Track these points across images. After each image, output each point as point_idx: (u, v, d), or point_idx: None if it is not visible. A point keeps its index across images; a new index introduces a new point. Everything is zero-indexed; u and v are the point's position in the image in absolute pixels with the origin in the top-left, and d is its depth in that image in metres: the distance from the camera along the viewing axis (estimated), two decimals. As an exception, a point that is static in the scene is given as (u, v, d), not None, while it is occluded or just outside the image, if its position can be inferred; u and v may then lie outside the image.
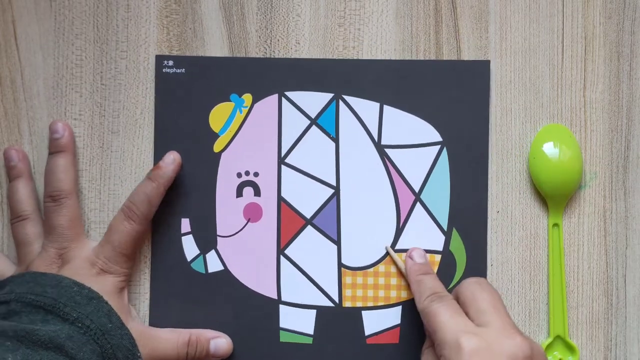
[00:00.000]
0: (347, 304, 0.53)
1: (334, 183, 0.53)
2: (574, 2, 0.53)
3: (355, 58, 0.53)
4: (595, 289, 0.53)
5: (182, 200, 0.53)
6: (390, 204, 0.53)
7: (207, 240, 0.53)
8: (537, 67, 0.53)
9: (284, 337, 0.53)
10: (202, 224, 0.53)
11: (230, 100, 0.54)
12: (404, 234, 0.53)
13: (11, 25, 0.54)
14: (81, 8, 0.54)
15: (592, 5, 0.53)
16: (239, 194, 0.53)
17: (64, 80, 0.54)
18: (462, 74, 0.53)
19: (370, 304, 0.53)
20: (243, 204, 0.53)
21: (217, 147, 0.53)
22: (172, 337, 0.51)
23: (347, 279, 0.53)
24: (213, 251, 0.53)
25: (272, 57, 0.54)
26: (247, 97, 0.54)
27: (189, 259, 0.53)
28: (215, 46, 0.54)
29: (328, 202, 0.53)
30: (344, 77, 0.53)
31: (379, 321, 0.53)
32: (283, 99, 0.53)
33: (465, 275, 0.53)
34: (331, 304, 0.53)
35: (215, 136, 0.53)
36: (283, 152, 0.53)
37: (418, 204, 0.53)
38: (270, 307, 0.53)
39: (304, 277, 0.53)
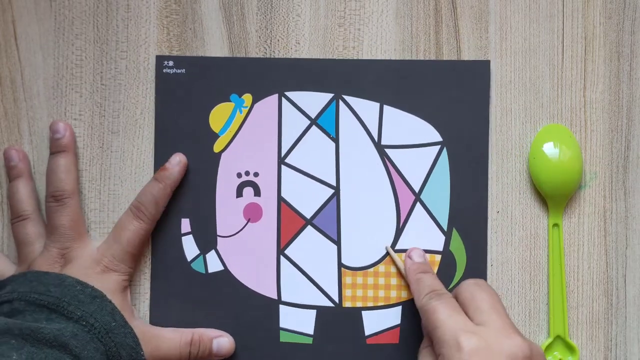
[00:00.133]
0: (347, 304, 0.53)
1: (334, 183, 0.53)
2: (574, 2, 0.53)
3: (355, 58, 0.54)
4: (595, 289, 0.53)
5: (182, 200, 0.53)
6: (390, 204, 0.53)
7: (207, 240, 0.54)
8: (537, 67, 0.53)
9: (284, 337, 0.53)
10: (202, 224, 0.53)
11: (230, 101, 0.54)
12: (404, 234, 0.53)
13: (11, 25, 0.54)
14: (81, 8, 0.54)
15: (592, 5, 0.53)
16: (239, 194, 0.54)
17: (64, 80, 0.54)
18: (462, 74, 0.53)
19: (370, 304, 0.53)
20: (243, 204, 0.54)
21: (217, 147, 0.54)
22: (175, 337, 0.51)
23: (347, 279, 0.53)
24: (213, 251, 0.53)
25: (272, 57, 0.54)
26: (247, 97, 0.54)
27: (189, 259, 0.53)
28: (215, 46, 0.54)
29: (328, 202, 0.53)
30: (344, 77, 0.53)
31: (379, 321, 0.53)
32: (283, 99, 0.54)
33: (466, 276, 0.53)
34: (331, 304, 0.53)
35: (215, 136, 0.54)
36: (283, 152, 0.54)
37: (418, 204, 0.53)
38: (270, 307, 0.53)
39: (304, 277, 0.53)
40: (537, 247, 0.53)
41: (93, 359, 0.46)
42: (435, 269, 0.53)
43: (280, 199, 0.54)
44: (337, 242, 0.54)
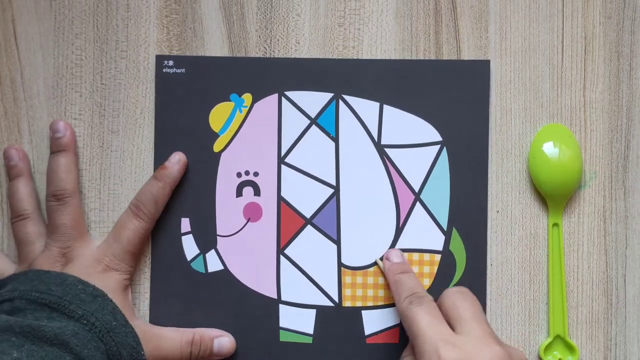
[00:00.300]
0: (346, 303, 0.53)
1: (333, 183, 0.54)
2: (574, 2, 0.54)
3: (355, 58, 0.54)
4: (595, 289, 0.53)
5: (182, 199, 0.54)
6: (390, 203, 0.53)
7: (207, 239, 0.54)
8: (537, 67, 0.54)
9: (283, 337, 0.53)
10: (202, 223, 0.54)
11: (230, 100, 0.54)
12: (403, 234, 0.53)
13: (11, 24, 0.54)
14: (81, 7, 0.54)
15: (592, 5, 0.54)
16: (239, 193, 0.54)
17: (64, 79, 0.54)
18: (462, 74, 0.53)
19: (370, 304, 0.53)
20: (243, 203, 0.54)
21: (217, 146, 0.54)
22: (176, 336, 0.51)
23: (347, 279, 0.53)
24: (213, 251, 0.54)
25: (272, 57, 0.54)
26: (247, 97, 0.54)
27: (188, 258, 0.54)
28: (215, 46, 0.54)
29: (328, 201, 0.54)
30: (343, 77, 0.54)
31: (379, 321, 0.53)
32: (283, 99, 0.54)
33: (465, 275, 0.53)
34: (331, 304, 0.53)
35: (215, 136, 0.54)
36: (283, 152, 0.54)
37: (418, 203, 0.53)
38: (270, 306, 0.53)
39: (304, 276, 0.53)
40: (537, 247, 0.54)
41: (93, 358, 0.46)
42: (435, 269, 0.53)
43: (280, 199, 0.54)
44: (337, 241, 0.54)
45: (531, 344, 0.54)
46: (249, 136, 0.54)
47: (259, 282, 0.54)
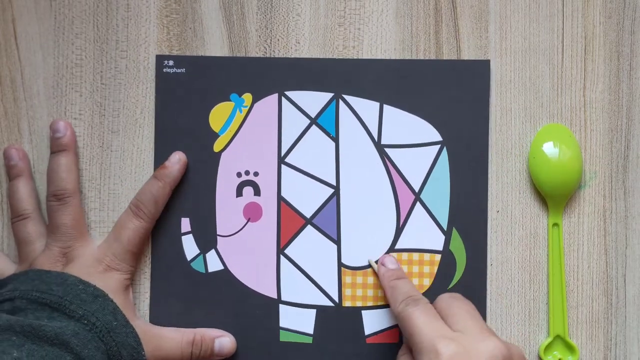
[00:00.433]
0: (347, 303, 0.54)
1: (333, 183, 0.54)
2: (574, 1, 0.54)
3: (355, 58, 0.54)
4: (595, 289, 0.54)
5: (182, 199, 0.54)
6: (390, 203, 0.54)
7: (207, 239, 0.54)
8: (537, 67, 0.54)
9: (283, 337, 0.54)
10: (202, 223, 0.54)
11: (230, 100, 0.54)
12: (403, 234, 0.54)
13: (11, 24, 0.55)
14: (81, 7, 0.55)
15: (592, 5, 0.54)
16: (239, 193, 0.54)
17: (64, 79, 0.54)
18: (462, 74, 0.53)
19: (370, 304, 0.54)
20: (243, 203, 0.54)
21: (217, 146, 0.54)
22: (177, 336, 0.51)
23: (347, 279, 0.54)
24: (213, 251, 0.54)
25: (272, 56, 0.54)
26: (247, 97, 0.54)
27: (189, 258, 0.54)
28: (215, 46, 0.54)
29: (328, 201, 0.54)
30: (344, 77, 0.54)
31: (379, 321, 0.54)
32: (283, 99, 0.54)
33: (466, 275, 0.53)
34: (331, 304, 0.54)
35: (215, 136, 0.54)
36: (283, 152, 0.54)
37: (418, 203, 0.53)
38: (270, 306, 0.54)
39: (304, 276, 0.54)
40: (537, 247, 0.54)
41: (94, 358, 0.46)
42: (435, 269, 0.54)
43: (280, 199, 0.54)
44: (337, 241, 0.54)
45: (531, 344, 0.54)
46: (249, 136, 0.54)
47: (259, 282, 0.54)
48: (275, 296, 0.54)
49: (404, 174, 0.54)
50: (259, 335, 0.54)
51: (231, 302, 0.54)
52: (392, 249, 0.54)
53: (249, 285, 0.54)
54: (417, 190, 0.54)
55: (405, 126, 0.54)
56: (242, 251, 0.54)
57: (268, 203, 0.54)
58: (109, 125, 0.55)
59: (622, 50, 0.54)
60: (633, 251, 0.54)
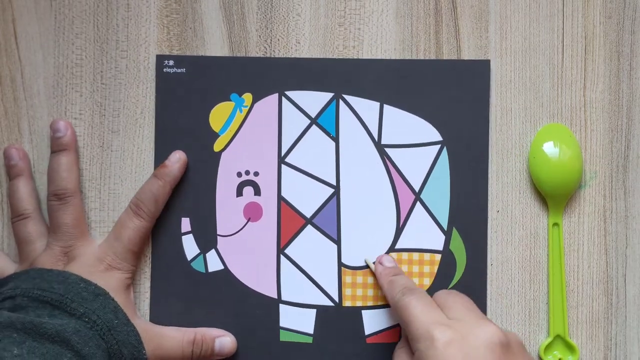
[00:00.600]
0: (347, 303, 0.54)
1: (334, 182, 0.54)
2: (574, 1, 0.54)
3: (355, 57, 0.54)
4: (595, 289, 0.54)
5: (182, 199, 0.54)
6: (390, 203, 0.54)
7: (207, 239, 0.54)
8: (537, 67, 0.54)
9: (284, 337, 0.54)
10: (202, 223, 0.54)
11: (230, 100, 0.54)
12: (404, 234, 0.54)
13: (11, 24, 0.55)
14: (81, 7, 0.55)
15: (592, 5, 0.54)
16: (239, 193, 0.54)
17: (64, 79, 0.55)
18: (462, 74, 0.54)
19: (370, 304, 0.54)
20: (243, 203, 0.54)
21: (217, 146, 0.54)
22: (177, 336, 0.52)
23: (347, 278, 0.54)
24: (213, 250, 0.54)
25: (272, 56, 0.54)
26: (247, 97, 0.54)
27: (189, 258, 0.54)
28: (216, 46, 0.54)
29: (328, 201, 0.54)
30: (344, 77, 0.54)
31: (379, 320, 0.54)
32: (283, 99, 0.54)
33: (466, 275, 0.53)
34: (331, 304, 0.54)
35: (216, 136, 0.54)
36: (283, 152, 0.54)
37: (418, 203, 0.54)
38: (270, 306, 0.54)
39: (304, 276, 0.54)
40: (537, 247, 0.54)
41: (94, 356, 0.46)
42: (435, 269, 0.54)
43: (280, 198, 0.54)
44: (337, 241, 0.54)
45: (531, 343, 0.54)
46: (249, 136, 0.55)
47: (259, 281, 0.54)
48: (275, 296, 0.54)
49: (404, 173, 0.54)
50: (259, 335, 0.54)
51: (231, 302, 0.54)
52: (392, 249, 0.54)
53: (249, 285, 0.54)
54: (417, 190, 0.54)
55: (406, 126, 0.54)
56: (242, 251, 0.54)
57: (268, 203, 0.54)
58: (109, 125, 0.55)
59: (622, 50, 0.54)
60: (633, 251, 0.54)
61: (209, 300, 0.54)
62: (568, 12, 0.54)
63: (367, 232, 0.54)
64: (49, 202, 0.53)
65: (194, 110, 0.55)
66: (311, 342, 0.54)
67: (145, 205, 0.52)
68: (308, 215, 0.54)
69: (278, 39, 0.55)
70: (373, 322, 0.54)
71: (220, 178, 0.55)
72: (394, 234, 0.54)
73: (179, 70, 0.55)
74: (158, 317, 0.54)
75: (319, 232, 0.54)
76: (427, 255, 0.54)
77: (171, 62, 0.55)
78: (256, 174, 0.55)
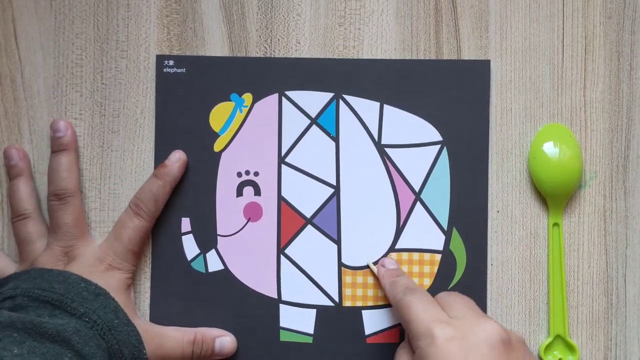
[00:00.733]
0: (347, 303, 0.54)
1: (334, 182, 0.54)
2: (574, 1, 0.54)
3: (355, 57, 0.54)
4: (595, 289, 0.54)
5: (182, 199, 0.54)
6: (391, 203, 0.54)
7: (207, 239, 0.54)
8: (537, 67, 0.54)
9: (284, 337, 0.54)
10: (202, 223, 0.54)
11: (230, 100, 0.54)
12: (404, 234, 0.54)
13: (11, 24, 0.55)
14: (81, 7, 0.55)
15: (592, 5, 0.54)
16: (239, 193, 0.54)
17: (64, 79, 0.55)
18: (462, 74, 0.54)
19: (370, 304, 0.54)
20: (243, 203, 0.54)
21: (217, 146, 0.54)
22: (178, 335, 0.52)
23: (347, 279, 0.54)
24: (213, 250, 0.54)
25: (273, 56, 0.54)
26: (248, 97, 0.54)
27: (189, 258, 0.54)
28: (216, 46, 0.55)
29: (328, 201, 0.54)
30: (344, 77, 0.54)
31: (379, 320, 0.54)
32: (283, 99, 0.54)
33: (466, 275, 0.54)
34: (331, 304, 0.54)
35: (216, 136, 0.54)
36: (283, 152, 0.54)
37: (418, 203, 0.54)
38: (270, 306, 0.54)
39: (304, 276, 0.54)
40: (537, 247, 0.54)
41: (95, 355, 0.46)
42: (436, 269, 0.54)
43: (281, 199, 0.54)
44: (337, 241, 0.54)
45: (531, 343, 0.54)
46: (249, 136, 0.55)
47: (259, 281, 0.54)
48: (275, 296, 0.54)
49: (404, 173, 0.54)
50: (259, 335, 0.54)
51: (231, 302, 0.54)
52: (392, 249, 0.54)
53: (249, 285, 0.54)
54: (417, 190, 0.54)
55: (406, 126, 0.54)
56: (242, 251, 0.54)
57: (268, 203, 0.55)
58: (109, 125, 0.55)
59: (623, 50, 0.55)
60: (633, 251, 0.54)
61: (209, 300, 0.54)
62: (568, 12, 0.55)
63: (367, 232, 0.54)
64: (49, 202, 0.53)
65: (194, 110, 0.55)
66: (311, 342, 0.54)
67: (145, 205, 0.53)
68: (308, 215, 0.55)
69: (278, 39, 0.55)
70: (373, 322, 0.54)
71: (220, 178, 0.55)
72: (394, 234, 0.54)
73: (179, 70, 0.55)
74: (158, 317, 0.54)
75: (319, 232, 0.54)
76: (427, 255, 0.54)
77: (171, 62, 0.55)
78: (256, 174, 0.55)
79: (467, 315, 0.46)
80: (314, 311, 0.54)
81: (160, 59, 0.55)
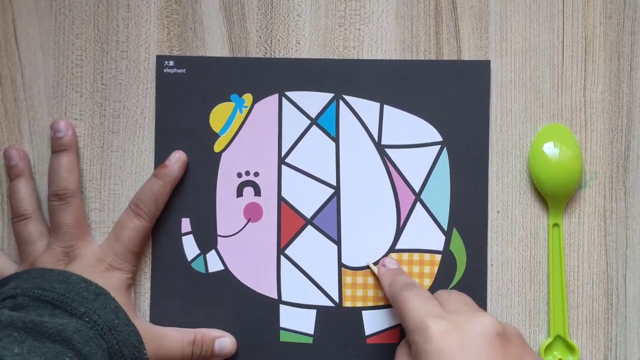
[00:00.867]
0: (347, 303, 0.54)
1: (334, 183, 0.54)
2: (574, 2, 0.54)
3: (355, 58, 0.55)
4: (596, 289, 0.54)
5: (182, 200, 0.54)
6: (391, 203, 0.54)
7: (207, 240, 0.54)
8: (537, 67, 0.54)
9: (284, 337, 0.54)
10: (202, 223, 0.54)
11: (230, 100, 0.54)
12: (404, 234, 0.54)
13: (11, 24, 0.55)
14: (81, 8, 0.55)
15: (592, 5, 0.54)
16: (239, 193, 0.54)
17: (65, 80, 0.55)
18: (462, 74, 0.54)
19: (370, 304, 0.54)
20: (243, 203, 0.54)
21: (217, 147, 0.54)
22: (178, 336, 0.52)
23: (347, 279, 0.54)
24: (213, 251, 0.54)
25: (273, 57, 0.55)
26: (248, 97, 0.54)
27: (189, 258, 0.54)
28: (216, 46, 0.55)
29: (328, 202, 0.54)
30: (344, 77, 0.54)
31: (379, 321, 0.54)
32: (283, 99, 0.54)
33: (466, 275, 0.54)
34: (331, 304, 0.54)
35: (216, 136, 0.54)
36: (283, 152, 0.54)
37: (418, 203, 0.54)
38: (270, 307, 0.54)
39: (304, 277, 0.54)
40: (537, 247, 0.54)
41: (95, 355, 0.47)
42: (436, 269, 0.54)
43: (281, 199, 0.54)
44: (337, 241, 0.54)
45: (531, 344, 0.54)
46: (250, 136, 0.55)
47: (260, 282, 0.54)
48: (275, 296, 0.54)
49: (404, 174, 0.54)
50: (259, 336, 0.54)
51: (231, 303, 0.54)
52: (392, 249, 0.54)
53: (249, 286, 0.55)
54: (417, 191, 0.54)
55: (406, 126, 0.54)
56: (242, 251, 0.55)
57: (268, 203, 0.55)
58: (109, 126, 0.55)
59: (623, 50, 0.55)
60: (633, 251, 0.54)
61: (209, 300, 0.54)
62: (568, 12, 0.55)
63: (367, 233, 0.54)
64: (50, 202, 0.53)
65: (194, 111, 0.55)
66: (311, 342, 0.54)
67: (145, 205, 0.53)
68: (308, 215, 0.55)
69: (278, 40, 0.55)
70: (373, 322, 0.54)
71: (220, 178, 0.55)
72: (394, 234, 0.54)
73: (179, 71, 0.55)
74: (158, 317, 0.54)
75: (319, 233, 0.55)
76: (427, 256, 0.54)
77: (171, 63, 0.55)
78: (256, 174, 0.55)
79: (463, 310, 0.46)
80: (314, 312, 0.54)
81: (161, 60, 0.55)
